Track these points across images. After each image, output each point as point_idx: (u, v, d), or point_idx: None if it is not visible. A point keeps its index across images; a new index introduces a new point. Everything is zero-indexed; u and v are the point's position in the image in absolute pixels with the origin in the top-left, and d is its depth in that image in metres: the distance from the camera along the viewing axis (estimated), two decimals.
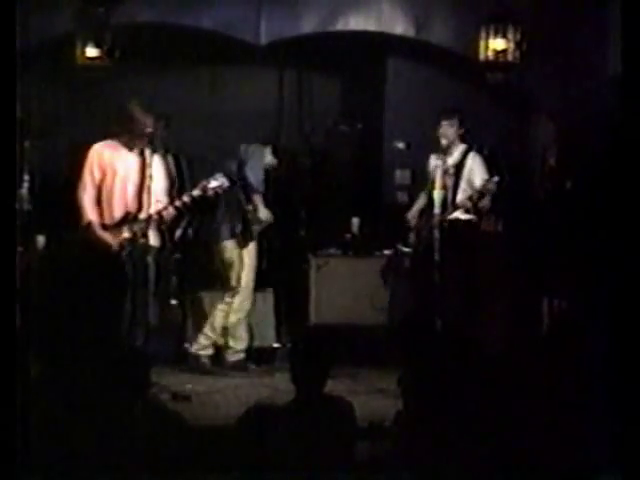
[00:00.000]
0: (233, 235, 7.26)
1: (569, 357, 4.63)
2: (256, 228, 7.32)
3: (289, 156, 8.21)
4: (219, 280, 7.34)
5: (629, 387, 3.86)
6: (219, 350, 7.40)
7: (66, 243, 7.01)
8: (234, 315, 7.35)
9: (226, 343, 7.41)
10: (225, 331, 7.37)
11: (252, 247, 7.35)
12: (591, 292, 6.48)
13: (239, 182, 7.15)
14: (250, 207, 7.25)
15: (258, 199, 7.28)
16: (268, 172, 7.43)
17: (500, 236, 7.44)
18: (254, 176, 7.25)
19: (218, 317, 7.32)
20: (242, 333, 7.43)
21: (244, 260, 7.30)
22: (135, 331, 6.41)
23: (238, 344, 7.42)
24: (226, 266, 7.28)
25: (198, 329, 7.36)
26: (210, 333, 7.33)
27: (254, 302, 7.45)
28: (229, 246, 7.27)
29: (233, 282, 7.27)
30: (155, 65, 8.38)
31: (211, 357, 7.36)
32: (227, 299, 7.31)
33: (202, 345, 7.34)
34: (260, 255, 7.44)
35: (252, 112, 8.42)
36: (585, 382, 4.32)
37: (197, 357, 7.31)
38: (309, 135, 8.74)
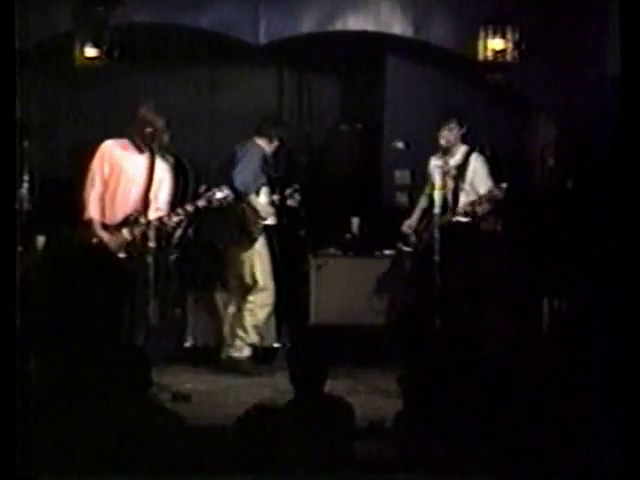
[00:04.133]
0: (233, 241, 7.27)
1: (571, 357, 4.63)
2: (258, 228, 7.31)
3: (287, 149, 8.21)
4: (234, 282, 7.38)
5: (632, 387, 3.86)
6: (257, 349, 7.41)
7: (66, 243, 7.02)
8: (261, 312, 7.36)
9: (262, 341, 7.46)
10: (258, 329, 7.38)
11: (261, 244, 7.35)
12: (593, 292, 6.48)
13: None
14: (245, 209, 7.23)
15: (253, 198, 7.26)
16: (268, 164, 7.40)
17: (500, 236, 7.44)
18: (242, 177, 7.20)
19: (247, 317, 7.33)
20: (267, 331, 7.50)
21: (254, 260, 7.30)
22: (135, 331, 6.42)
23: (269, 341, 7.52)
24: (237, 269, 7.31)
25: (232, 333, 7.35)
26: (243, 334, 7.34)
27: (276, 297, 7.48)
28: (235, 250, 7.29)
29: (249, 281, 7.29)
30: (154, 65, 8.36)
31: (249, 358, 7.35)
32: (250, 298, 7.32)
33: (238, 348, 7.33)
34: (272, 250, 7.44)
35: (251, 112, 8.40)
36: (587, 382, 4.32)
37: (237, 361, 7.29)
38: (309, 135, 8.74)
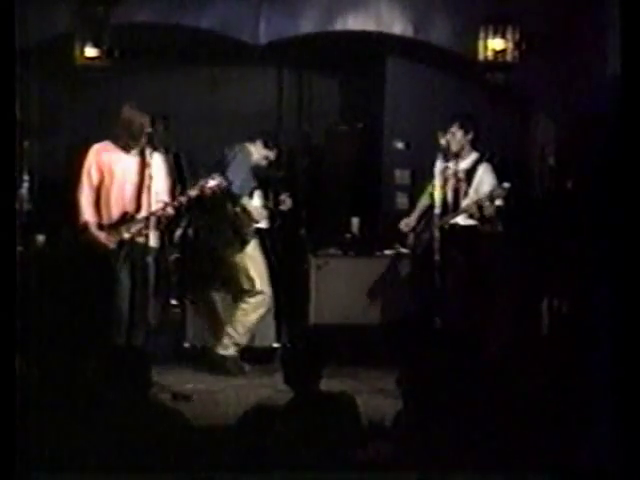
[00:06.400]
0: (226, 243, 7.27)
1: (570, 358, 4.63)
2: (250, 230, 7.30)
3: (287, 149, 8.18)
4: (229, 283, 7.38)
5: (632, 387, 3.86)
6: (245, 350, 7.39)
7: (65, 243, 7.02)
8: (254, 314, 7.34)
9: (251, 343, 7.45)
10: (247, 330, 7.38)
11: (253, 247, 7.34)
12: (593, 292, 6.48)
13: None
14: (238, 211, 7.22)
15: (247, 200, 7.25)
16: (259, 168, 7.40)
17: (501, 237, 7.44)
18: (236, 179, 7.20)
19: (239, 318, 7.31)
20: (267, 331, 7.52)
21: (247, 262, 7.29)
22: (135, 331, 6.43)
23: (264, 341, 7.53)
24: (231, 270, 7.31)
25: (223, 332, 7.34)
26: (233, 333, 7.32)
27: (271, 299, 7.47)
28: (229, 252, 7.29)
29: (245, 285, 7.28)
30: (154, 65, 8.37)
31: (235, 358, 7.33)
32: (244, 299, 7.30)
33: (225, 346, 7.32)
34: (266, 253, 7.44)
35: (251, 112, 8.41)
36: (586, 382, 4.32)
37: (223, 358, 7.28)
38: (309, 135, 8.74)
